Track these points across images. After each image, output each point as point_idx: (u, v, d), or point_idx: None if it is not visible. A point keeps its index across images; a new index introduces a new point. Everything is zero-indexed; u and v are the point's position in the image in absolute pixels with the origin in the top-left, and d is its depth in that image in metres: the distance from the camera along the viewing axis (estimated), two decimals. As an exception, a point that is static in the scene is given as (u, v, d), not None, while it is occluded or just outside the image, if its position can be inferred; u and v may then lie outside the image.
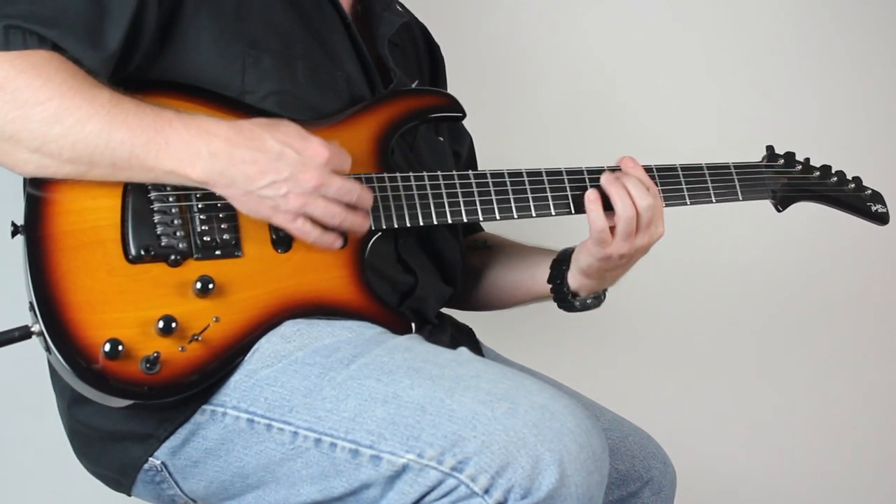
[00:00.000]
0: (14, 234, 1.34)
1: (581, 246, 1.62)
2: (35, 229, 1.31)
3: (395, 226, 1.49)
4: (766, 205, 1.82)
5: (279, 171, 1.32)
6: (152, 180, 1.33)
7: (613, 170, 1.61)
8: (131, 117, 1.30)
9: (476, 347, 1.73)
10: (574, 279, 1.65)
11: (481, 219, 1.55)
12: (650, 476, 1.66)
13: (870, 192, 1.91)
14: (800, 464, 2.91)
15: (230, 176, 1.32)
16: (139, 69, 1.42)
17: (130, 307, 1.32)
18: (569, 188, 1.60)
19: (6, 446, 2.07)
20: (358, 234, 1.43)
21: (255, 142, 1.33)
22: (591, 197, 1.56)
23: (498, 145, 2.06)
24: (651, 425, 1.74)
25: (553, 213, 1.59)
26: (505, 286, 1.80)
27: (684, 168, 1.70)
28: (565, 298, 1.68)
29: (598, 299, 1.69)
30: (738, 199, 1.76)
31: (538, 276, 1.71)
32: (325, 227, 1.39)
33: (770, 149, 1.85)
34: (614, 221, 1.56)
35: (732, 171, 1.75)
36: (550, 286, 1.69)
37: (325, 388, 1.34)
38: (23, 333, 1.31)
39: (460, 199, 1.53)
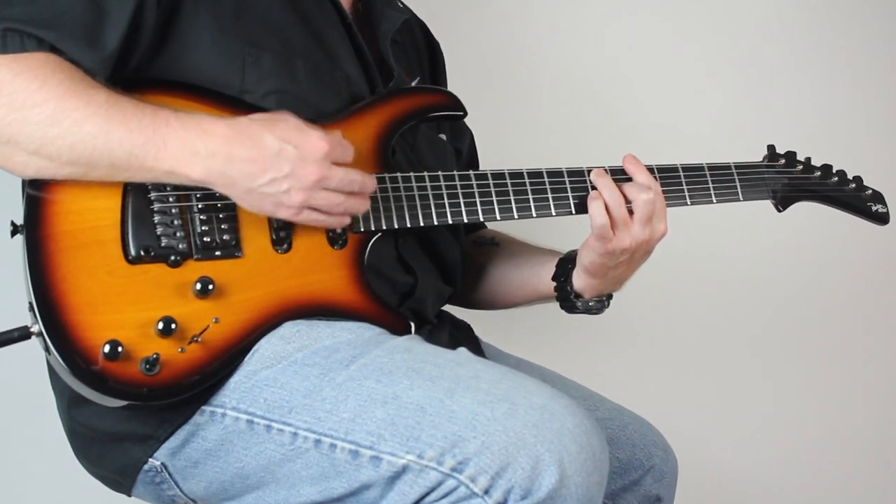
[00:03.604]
0: (13, 233, 1.34)
1: (584, 244, 1.61)
2: (35, 229, 1.31)
3: (396, 226, 1.48)
4: (767, 205, 1.82)
5: (279, 167, 1.32)
6: (152, 180, 1.33)
7: (615, 171, 1.61)
8: (129, 117, 1.29)
9: (475, 344, 1.72)
10: (578, 278, 1.64)
11: (482, 219, 1.55)
12: (652, 464, 1.65)
13: (870, 192, 1.90)
14: (799, 456, 2.92)
15: (230, 175, 1.31)
16: (138, 69, 1.42)
17: (130, 308, 1.32)
18: (570, 188, 1.60)
19: (6, 446, 2.07)
20: (360, 213, 1.43)
21: (254, 139, 1.32)
22: (593, 195, 1.57)
23: (498, 145, 2.06)
24: (652, 419, 1.73)
25: (553, 214, 1.59)
26: (510, 284, 1.79)
27: (685, 168, 1.70)
28: (568, 297, 1.67)
29: (600, 302, 1.67)
30: (738, 200, 1.75)
31: (544, 274, 1.70)
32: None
33: (771, 148, 1.84)
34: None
35: (733, 170, 1.75)
36: (554, 284, 1.68)
37: (324, 388, 1.34)
38: (22, 334, 1.31)
39: (461, 200, 1.53)
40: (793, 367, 2.91)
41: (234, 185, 1.32)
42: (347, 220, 1.42)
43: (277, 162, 1.32)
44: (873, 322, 3.00)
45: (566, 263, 1.67)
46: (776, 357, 2.89)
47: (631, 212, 1.56)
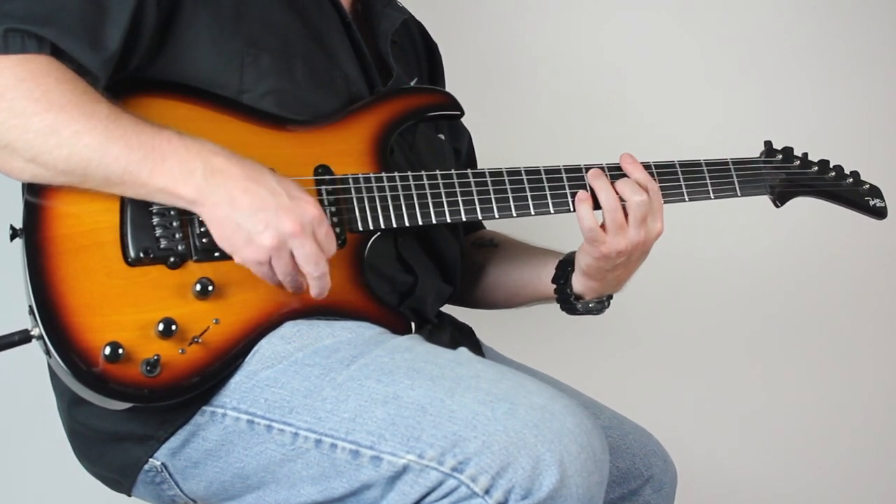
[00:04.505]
0: (13, 237, 1.34)
1: (580, 247, 1.61)
2: (34, 233, 1.31)
3: (395, 225, 1.48)
4: (765, 200, 1.82)
5: (266, 204, 1.30)
6: (143, 197, 1.32)
7: (612, 168, 1.61)
8: (129, 133, 1.29)
9: (476, 347, 1.72)
10: (578, 281, 1.64)
11: (480, 217, 1.55)
12: (651, 473, 1.66)
13: (868, 186, 1.90)
14: (799, 461, 2.91)
15: (217, 198, 1.29)
16: (137, 70, 1.42)
17: (130, 310, 1.32)
18: (567, 186, 1.59)
19: (6, 446, 2.07)
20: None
21: (256, 172, 1.32)
22: (580, 196, 1.56)
23: (496, 144, 2.06)
24: (651, 423, 1.74)
25: (552, 212, 1.59)
26: (510, 285, 1.79)
27: (683, 165, 1.69)
28: (568, 300, 1.67)
29: (600, 303, 1.68)
30: (736, 196, 1.75)
31: (544, 276, 1.70)
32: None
33: (768, 144, 1.84)
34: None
35: (731, 167, 1.75)
36: (554, 287, 1.68)
37: (325, 388, 1.34)
38: (23, 337, 1.31)
39: (459, 199, 1.53)
40: (793, 368, 2.90)
41: (218, 207, 1.30)
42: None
43: (266, 199, 1.30)
44: (874, 321, 3.00)
45: (566, 266, 1.67)
46: (775, 357, 2.89)
47: (625, 212, 1.56)
